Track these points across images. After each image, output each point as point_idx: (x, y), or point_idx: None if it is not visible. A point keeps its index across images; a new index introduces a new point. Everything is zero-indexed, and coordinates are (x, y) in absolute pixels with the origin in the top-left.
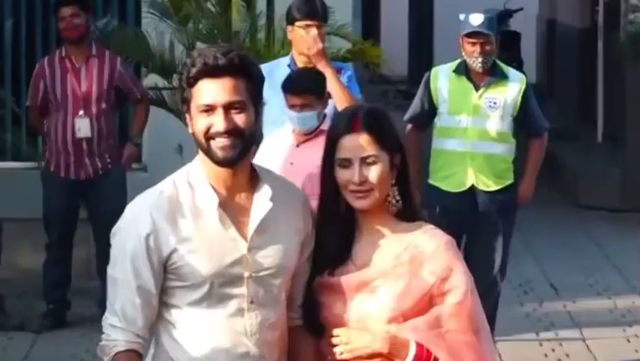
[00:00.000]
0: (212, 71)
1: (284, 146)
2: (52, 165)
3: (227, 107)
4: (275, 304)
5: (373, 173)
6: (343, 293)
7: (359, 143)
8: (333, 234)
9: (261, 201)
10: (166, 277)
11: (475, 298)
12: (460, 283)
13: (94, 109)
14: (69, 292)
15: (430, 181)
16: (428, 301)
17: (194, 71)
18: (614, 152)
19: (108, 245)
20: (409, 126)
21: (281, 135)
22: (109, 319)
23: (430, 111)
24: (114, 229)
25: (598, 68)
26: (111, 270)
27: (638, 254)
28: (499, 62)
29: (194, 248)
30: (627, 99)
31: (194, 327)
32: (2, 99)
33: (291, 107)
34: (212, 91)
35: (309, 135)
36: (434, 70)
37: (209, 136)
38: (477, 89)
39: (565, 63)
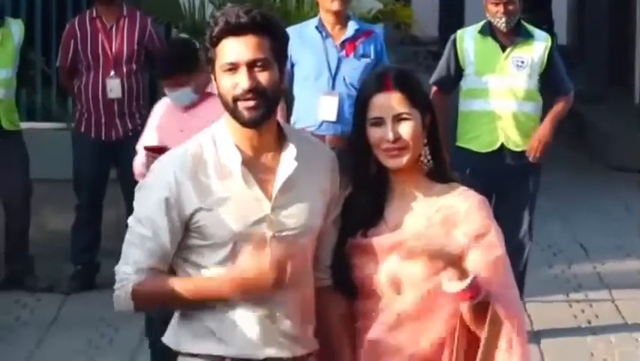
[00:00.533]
0: (234, 30)
1: (171, 112)
2: (82, 125)
3: (251, 65)
4: (298, 263)
5: (406, 130)
6: (376, 254)
7: (391, 101)
8: (364, 195)
9: (287, 161)
10: (189, 235)
11: (507, 258)
12: (494, 242)
13: (125, 69)
14: (98, 254)
15: (459, 143)
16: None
17: (216, 30)
18: None
19: None
20: (435, 89)
21: (164, 102)
22: (122, 267)
23: (456, 73)
24: (139, 185)
25: (636, 28)
26: (132, 222)
27: None
28: (523, 22)
29: (217, 207)
30: None
31: None
32: (32, 60)
33: (165, 86)
34: (235, 49)
35: (195, 102)
36: (460, 32)
37: (235, 97)
38: (504, 49)
39: (596, 25)
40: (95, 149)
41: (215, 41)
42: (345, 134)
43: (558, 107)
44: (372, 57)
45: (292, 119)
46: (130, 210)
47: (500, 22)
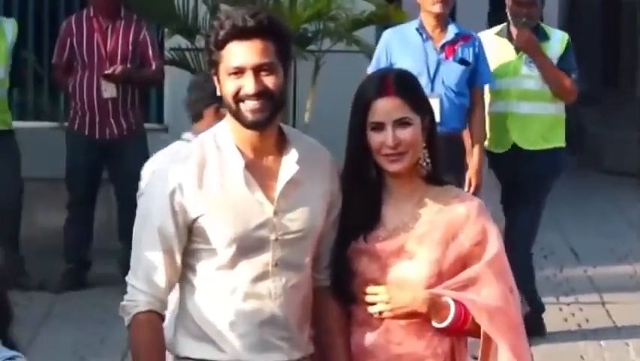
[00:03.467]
0: (241, 34)
1: None
2: (76, 124)
3: (257, 70)
4: (300, 267)
5: (407, 135)
6: (379, 259)
7: (392, 106)
8: (361, 198)
9: (289, 164)
10: (191, 239)
11: (506, 259)
12: (493, 245)
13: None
14: (90, 252)
15: None
16: (462, 265)
17: (222, 33)
18: (637, 115)
19: (130, 206)
20: None
21: None
22: (131, 280)
23: None
24: (141, 189)
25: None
26: (137, 230)
27: None
28: (542, 25)
29: (219, 210)
30: None
31: (218, 290)
32: (25, 59)
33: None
34: (241, 53)
35: None
36: (479, 35)
37: (238, 99)
38: (517, 50)
39: (587, 27)
40: (88, 147)
41: (221, 45)
42: (446, 134)
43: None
44: (470, 62)
45: None
46: (122, 209)
47: (520, 23)
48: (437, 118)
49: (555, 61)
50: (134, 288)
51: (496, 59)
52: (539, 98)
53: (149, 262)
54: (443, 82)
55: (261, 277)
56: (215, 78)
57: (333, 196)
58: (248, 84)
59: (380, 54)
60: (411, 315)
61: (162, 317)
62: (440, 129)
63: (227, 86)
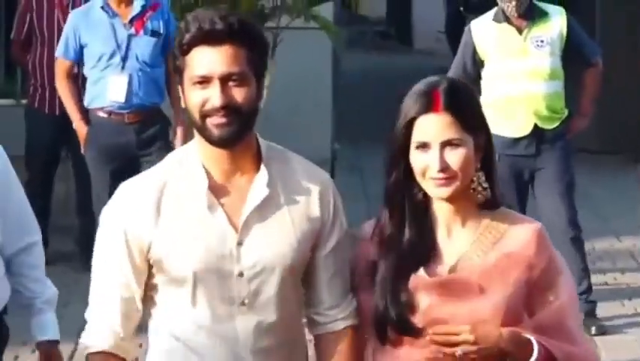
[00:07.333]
0: (208, 37)
1: None
2: (36, 101)
3: (225, 79)
4: (273, 306)
5: (456, 158)
6: (445, 296)
7: (440, 124)
8: (410, 226)
9: (257, 188)
10: (151, 273)
11: (575, 293)
12: (564, 281)
13: None
14: (47, 230)
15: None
16: (528, 295)
17: (187, 37)
18: None
19: (88, 182)
20: None
21: None
22: (89, 315)
23: (474, 67)
24: (100, 219)
25: None
26: (94, 264)
27: (616, 196)
28: (535, 2)
29: (177, 239)
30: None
31: (180, 332)
32: None
33: None
34: (207, 60)
35: None
36: (473, 23)
37: (204, 113)
38: (520, 32)
39: None
40: (49, 124)
41: (186, 49)
42: (149, 109)
43: (591, 85)
44: (162, 32)
45: (85, 101)
46: (80, 186)
47: (510, 7)
48: (123, 98)
49: (558, 38)
50: (90, 326)
51: (501, 44)
52: (552, 76)
53: (105, 302)
54: (137, 58)
55: (227, 317)
56: (179, 88)
57: (325, 222)
58: (214, 96)
59: (68, 36)
60: (493, 355)
61: (118, 357)
62: (141, 104)
63: (191, 98)
